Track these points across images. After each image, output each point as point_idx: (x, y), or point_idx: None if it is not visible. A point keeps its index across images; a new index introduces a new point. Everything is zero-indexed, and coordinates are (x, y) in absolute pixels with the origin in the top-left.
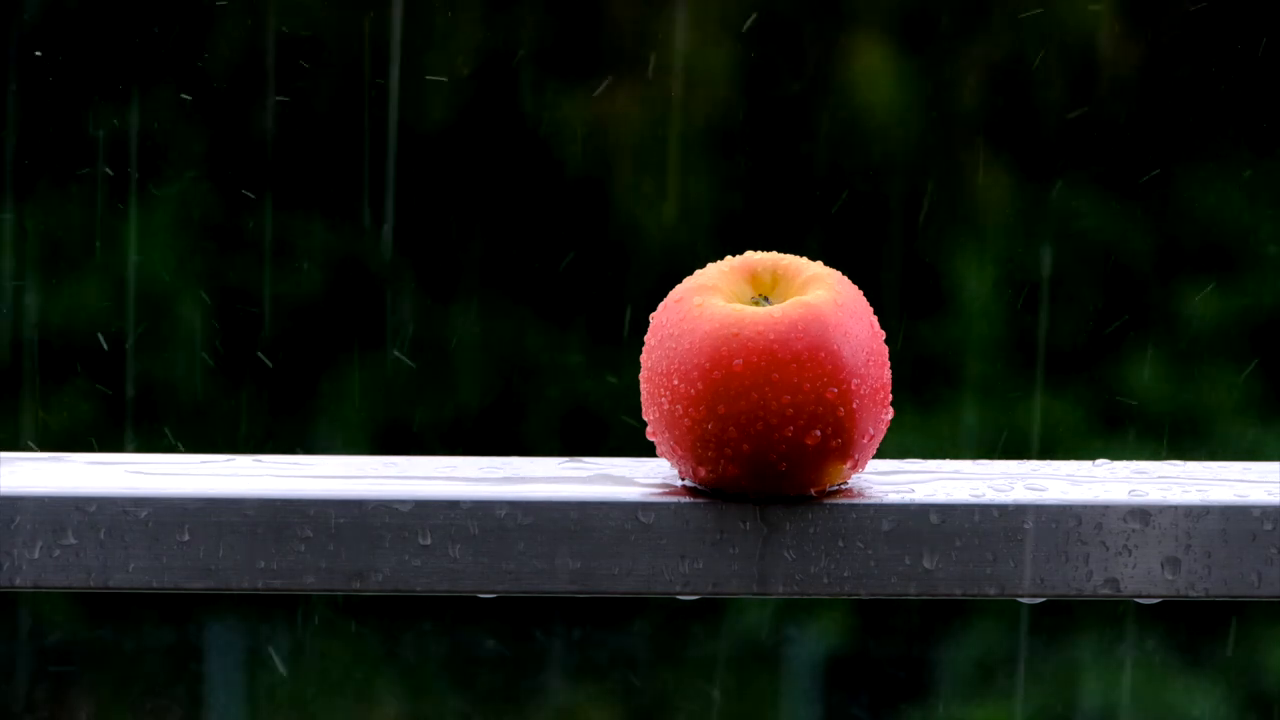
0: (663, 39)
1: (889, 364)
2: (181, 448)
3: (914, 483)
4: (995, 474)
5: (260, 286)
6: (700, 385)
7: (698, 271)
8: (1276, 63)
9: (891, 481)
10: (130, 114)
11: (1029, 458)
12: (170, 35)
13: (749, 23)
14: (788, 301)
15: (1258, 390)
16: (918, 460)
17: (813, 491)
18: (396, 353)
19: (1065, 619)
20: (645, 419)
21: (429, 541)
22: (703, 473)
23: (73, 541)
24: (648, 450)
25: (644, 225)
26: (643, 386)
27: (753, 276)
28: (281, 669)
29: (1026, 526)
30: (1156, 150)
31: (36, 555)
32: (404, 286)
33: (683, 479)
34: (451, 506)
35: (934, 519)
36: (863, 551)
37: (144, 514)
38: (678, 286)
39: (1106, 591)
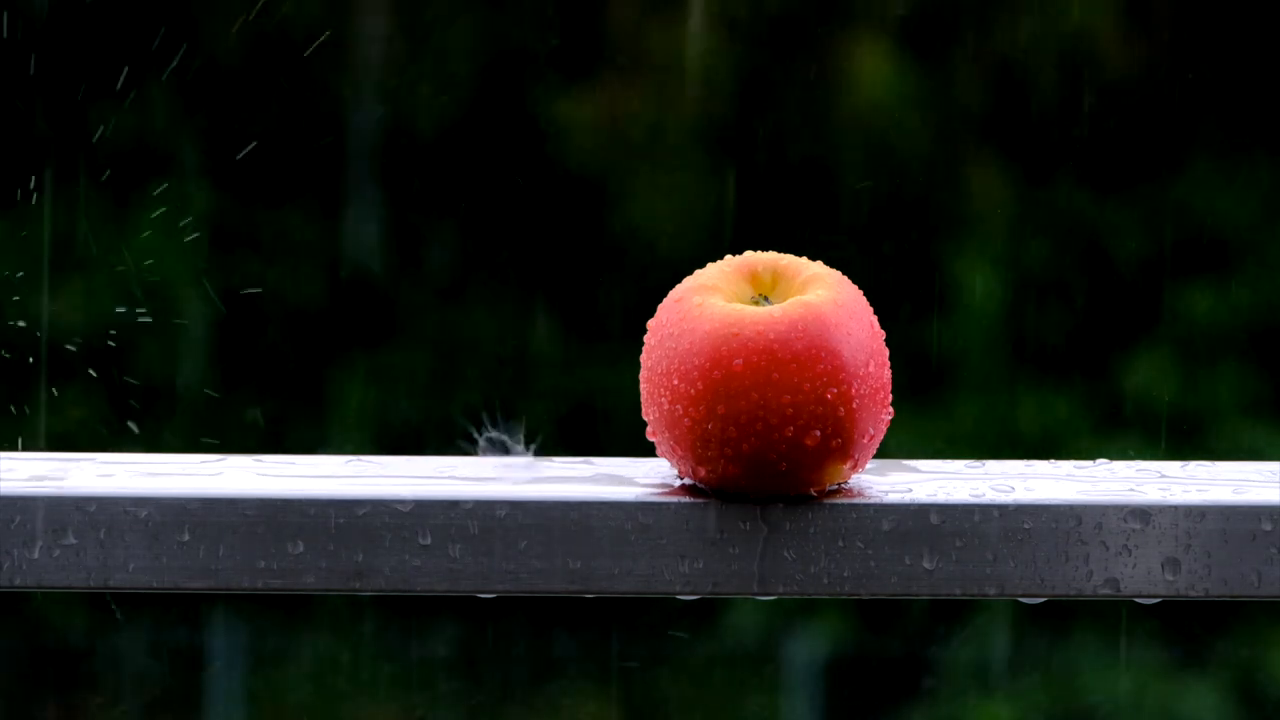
0: (663, 38)
1: (889, 364)
2: (181, 448)
3: (914, 483)
4: (995, 474)
5: (261, 286)
6: (700, 385)
7: (698, 271)
8: (1275, 62)
9: (891, 481)
10: (132, 114)
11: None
12: (168, 34)
13: (749, 22)
14: (788, 301)
15: (1258, 390)
16: (918, 460)
17: (813, 491)
18: (397, 352)
19: (1065, 618)
20: (645, 419)
21: (429, 541)
22: (703, 473)
23: (73, 541)
24: (648, 450)
25: (644, 224)
26: (642, 386)
27: (753, 276)
28: (281, 668)
29: (1026, 526)
30: (1156, 150)
31: (36, 555)
32: (404, 286)
33: (682, 479)
34: (451, 506)
35: (934, 519)
36: (863, 551)
37: (144, 514)
38: (677, 286)
39: (1106, 591)
